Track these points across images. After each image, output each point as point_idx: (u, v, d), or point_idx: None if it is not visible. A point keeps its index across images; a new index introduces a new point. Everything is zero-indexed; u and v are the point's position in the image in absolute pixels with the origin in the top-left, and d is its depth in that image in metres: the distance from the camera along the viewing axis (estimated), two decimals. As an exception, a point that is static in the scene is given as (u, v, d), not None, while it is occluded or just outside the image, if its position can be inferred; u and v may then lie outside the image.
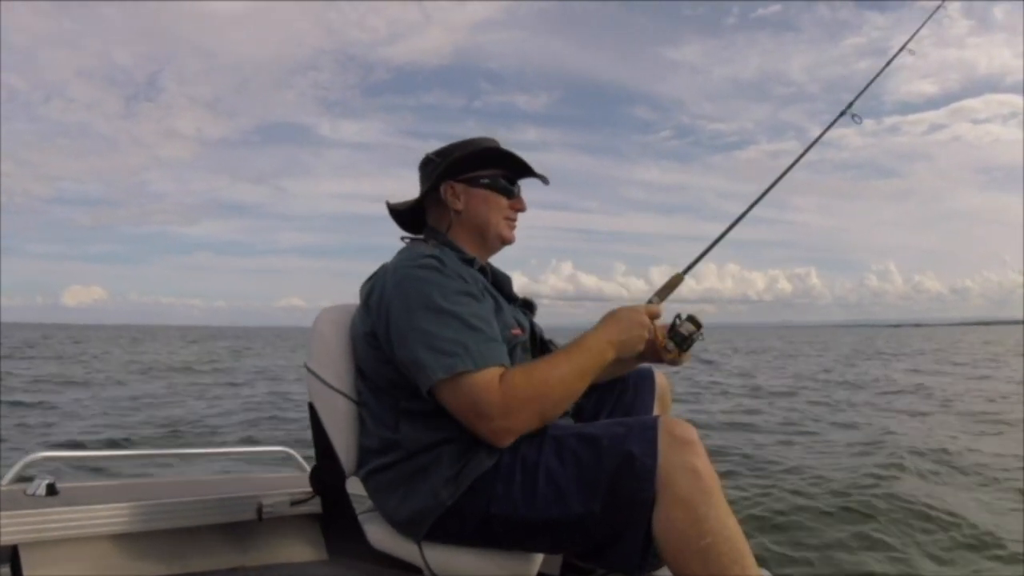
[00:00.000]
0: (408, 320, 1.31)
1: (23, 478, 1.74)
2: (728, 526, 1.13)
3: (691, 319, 1.49)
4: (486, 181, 1.53)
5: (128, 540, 1.67)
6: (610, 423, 1.26)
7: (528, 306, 1.64)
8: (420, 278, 1.34)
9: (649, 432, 1.18)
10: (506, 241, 1.58)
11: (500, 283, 1.58)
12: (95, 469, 4.35)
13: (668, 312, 1.51)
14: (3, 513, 1.49)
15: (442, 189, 1.53)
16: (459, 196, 1.52)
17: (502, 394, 1.25)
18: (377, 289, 1.41)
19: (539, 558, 1.36)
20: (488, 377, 1.26)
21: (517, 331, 1.44)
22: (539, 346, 1.55)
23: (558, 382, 1.28)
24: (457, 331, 1.28)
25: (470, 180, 1.52)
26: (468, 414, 1.26)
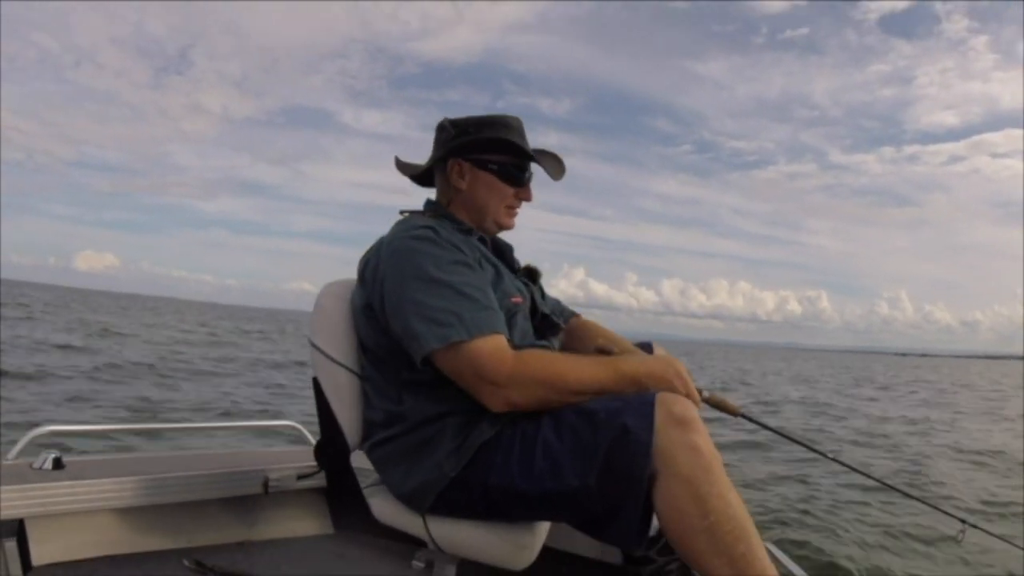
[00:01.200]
0: (402, 290, 1.31)
1: (29, 452, 1.74)
2: (731, 503, 1.12)
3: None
4: (494, 167, 1.50)
5: (134, 514, 1.67)
6: (609, 398, 1.24)
7: (531, 274, 1.63)
8: (414, 249, 1.33)
9: (646, 407, 1.17)
10: (503, 227, 1.56)
11: (501, 251, 1.58)
12: (101, 439, 4.38)
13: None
14: (9, 487, 1.50)
15: (448, 164, 1.51)
16: (464, 175, 1.51)
17: (513, 366, 1.25)
18: (372, 261, 1.40)
19: (543, 530, 1.36)
20: (492, 344, 1.26)
21: (517, 299, 1.43)
22: (540, 318, 1.54)
23: (573, 383, 1.27)
24: (450, 300, 1.27)
25: (478, 162, 1.50)
26: (471, 378, 1.26)
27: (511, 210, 1.55)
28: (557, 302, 1.74)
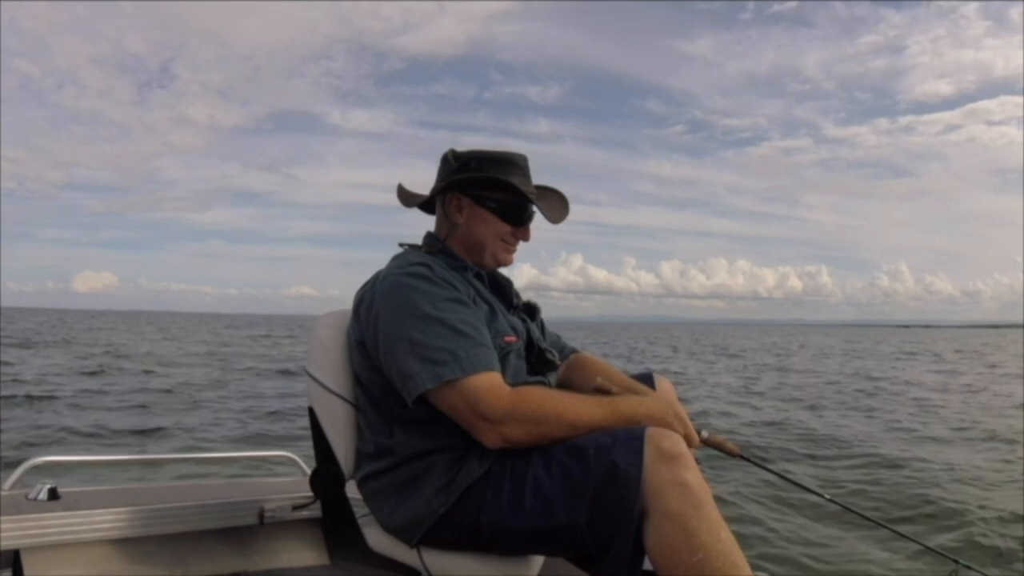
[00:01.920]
0: (396, 328, 1.31)
1: (25, 483, 1.74)
2: (721, 539, 1.11)
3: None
4: (492, 204, 1.49)
5: (130, 544, 1.67)
6: (598, 434, 1.24)
7: (530, 310, 1.63)
8: (408, 285, 1.34)
9: (635, 443, 1.17)
10: (501, 264, 1.55)
11: (500, 286, 1.57)
12: (96, 470, 4.35)
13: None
14: (5, 518, 1.49)
15: (447, 198, 1.51)
16: (462, 210, 1.50)
17: (509, 402, 1.25)
18: (367, 298, 1.41)
19: (538, 562, 1.36)
20: (488, 381, 1.26)
21: (511, 338, 1.43)
22: (536, 355, 1.52)
23: (569, 422, 1.26)
24: (445, 338, 1.27)
25: (477, 198, 1.49)
26: (467, 414, 1.26)
27: (508, 247, 1.54)
28: (558, 338, 1.73)
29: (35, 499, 1.64)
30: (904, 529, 1.98)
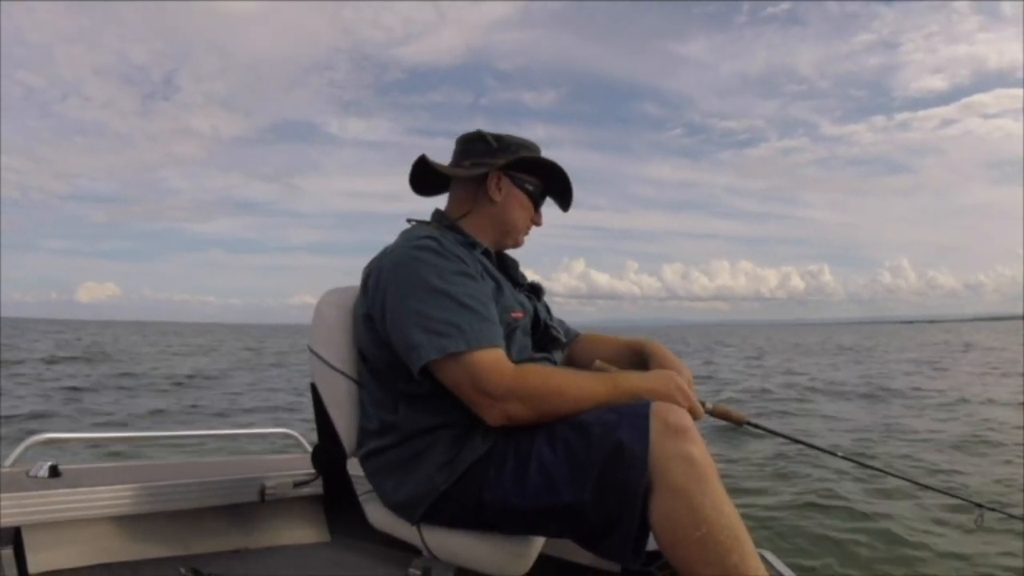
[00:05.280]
0: (403, 301, 1.31)
1: (25, 460, 1.74)
2: (725, 514, 1.11)
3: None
4: (530, 188, 1.55)
5: (130, 522, 1.67)
6: (603, 410, 1.24)
7: (535, 290, 1.64)
8: (417, 259, 1.33)
9: (640, 420, 1.16)
10: (516, 246, 1.62)
11: (506, 266, 1.60)
12: (96, 448, 4.36)
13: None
14: (6, 495, 1.50)
15: (489, 176, 1.52)
16: (501, 189, 1.53)
17: (512, 379, 1.25)
18: (375, 271, 1.41)
19: (539, 541, 1.36)
20: (492, 357, 1.26)
21: (518, 314, 1.43)
22: (542, 330, 1.53)
23: (571, 399, 1.26)
24: (451, 311, 1.27)
25: (517, 180, 1.54)
26: (469, 389, 1.26)
27: (527, 231, 1.60)
28: (562, 322, 1.73)
29: (36, 476, 1.64)
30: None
